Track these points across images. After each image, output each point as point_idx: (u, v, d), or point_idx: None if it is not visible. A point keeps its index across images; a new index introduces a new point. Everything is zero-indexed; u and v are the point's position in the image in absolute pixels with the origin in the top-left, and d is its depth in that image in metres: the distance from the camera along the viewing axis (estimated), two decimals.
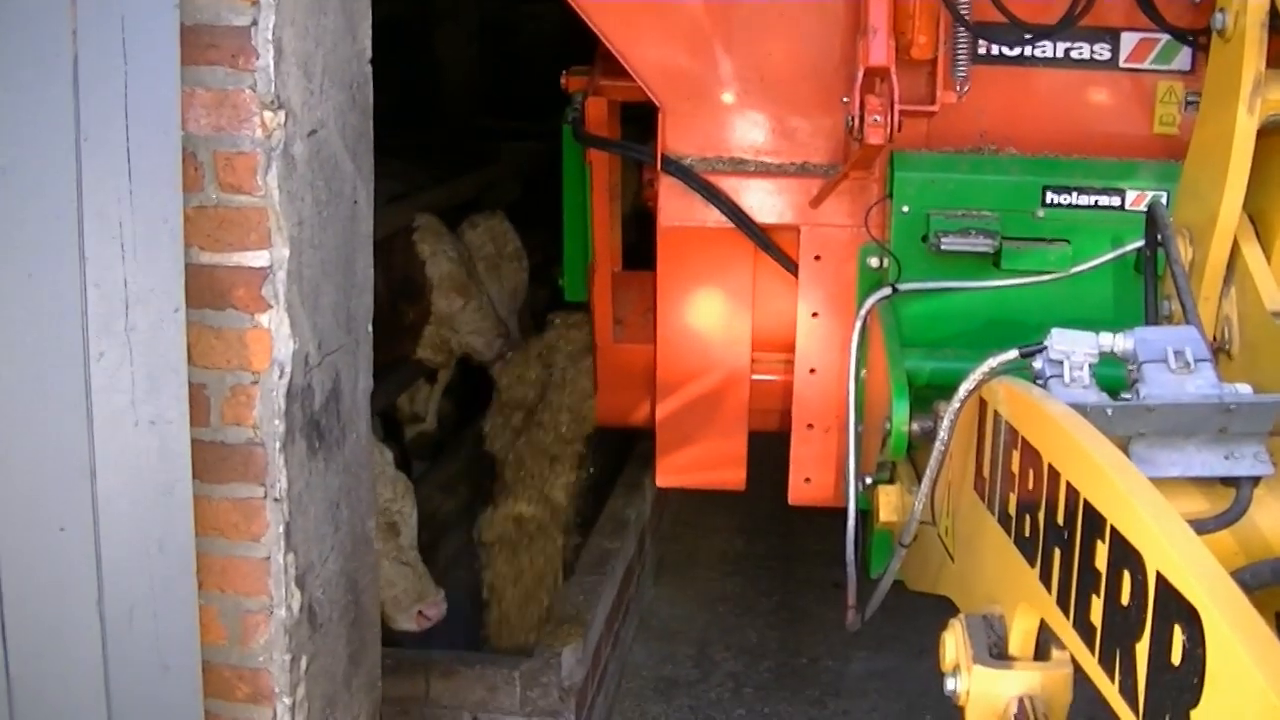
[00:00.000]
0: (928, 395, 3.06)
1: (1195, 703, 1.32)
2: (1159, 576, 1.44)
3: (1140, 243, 2.76)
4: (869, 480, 3.43)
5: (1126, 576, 1.54)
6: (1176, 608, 1.39)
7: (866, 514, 3.42)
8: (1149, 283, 2.71)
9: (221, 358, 2.55)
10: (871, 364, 3.56)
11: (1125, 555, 1.55)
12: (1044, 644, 2.08)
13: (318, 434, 2.71)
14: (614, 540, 4.93)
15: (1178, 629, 1.38)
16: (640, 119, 4.16)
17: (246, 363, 2.53)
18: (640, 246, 4.42)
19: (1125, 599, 1.54)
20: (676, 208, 3.86)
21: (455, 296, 5.08)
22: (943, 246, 3.62)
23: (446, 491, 5.44)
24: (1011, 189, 3.67)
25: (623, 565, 4.92)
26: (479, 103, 8.95)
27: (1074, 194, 3.65)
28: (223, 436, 2.56)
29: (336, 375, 2.80)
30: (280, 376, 2.53)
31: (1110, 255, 3.28)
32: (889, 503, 3.24)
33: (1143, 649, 1.48)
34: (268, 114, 2.43)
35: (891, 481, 3.33)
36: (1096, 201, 3.65)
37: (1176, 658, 1.38)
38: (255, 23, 2.40)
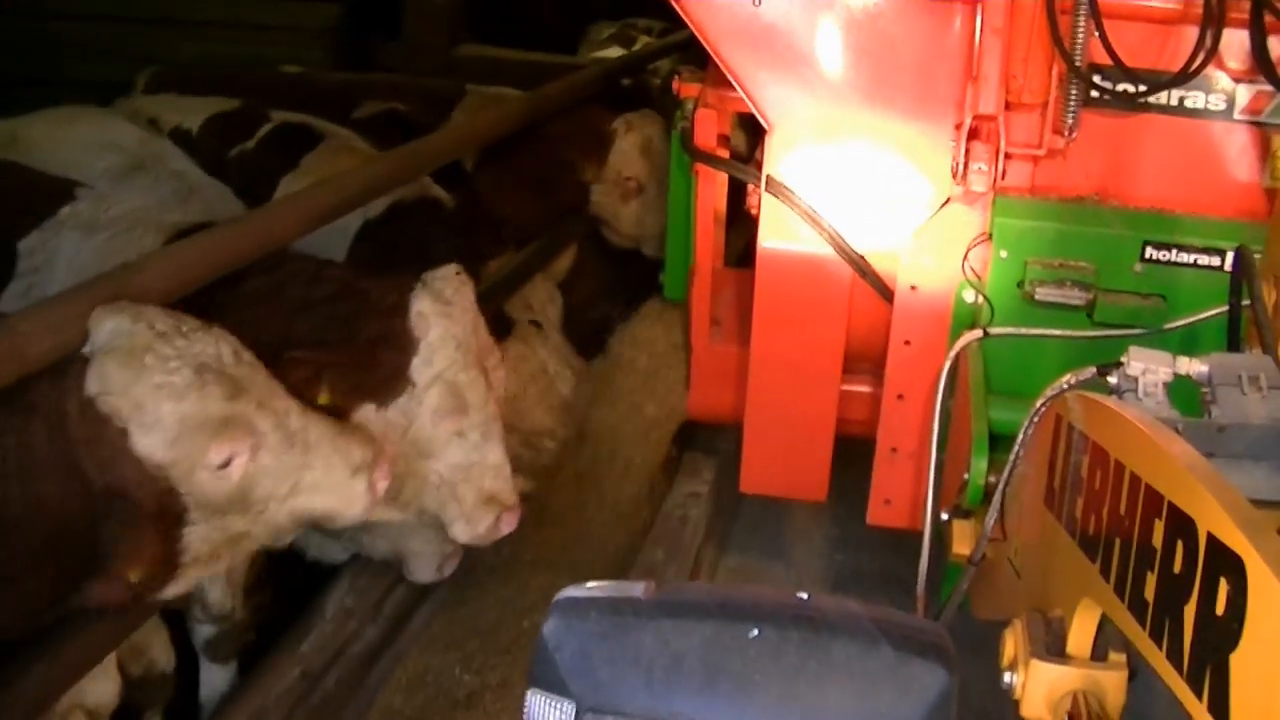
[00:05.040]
0: (1009, 443, 3.11)
1: (1234, 646, 1.38)
2: (1209, 537, 1.51)
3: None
4: (945, 516, 3.47)
5: (1179, 546, 1.60)
6: (1223, 561, 1.45)
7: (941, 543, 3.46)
8: (1233, 324, 2.75)
9: None
10: (958, 398, 3.61)
11: (1180, 526, 1.61)
12: (1101, 647, 2.13)
13: None
14: None
15: (1223, 581, 1.44)
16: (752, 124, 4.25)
17: None
18: (742, 240, 4.50)
19: (1178, 567, 1.60)
20: (777, 228, 3.96)
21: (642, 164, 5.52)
22: (1037, 296, 3.65)
23: None
24: (1111, 242, 3.68)
25: None
26: (463, 26, 7.19)
27: (1174, 251, 3.64)
28: None
29: None
30: None
31: (1203, 315, 3.29)
32: (964, 536, 3.28)
33: (1190, 610, 1.54)
34: None
35: (968, 517, 3.37)
36: (1196, 260, 3.63)
37: (1221, 608, 1.44)
38: None
